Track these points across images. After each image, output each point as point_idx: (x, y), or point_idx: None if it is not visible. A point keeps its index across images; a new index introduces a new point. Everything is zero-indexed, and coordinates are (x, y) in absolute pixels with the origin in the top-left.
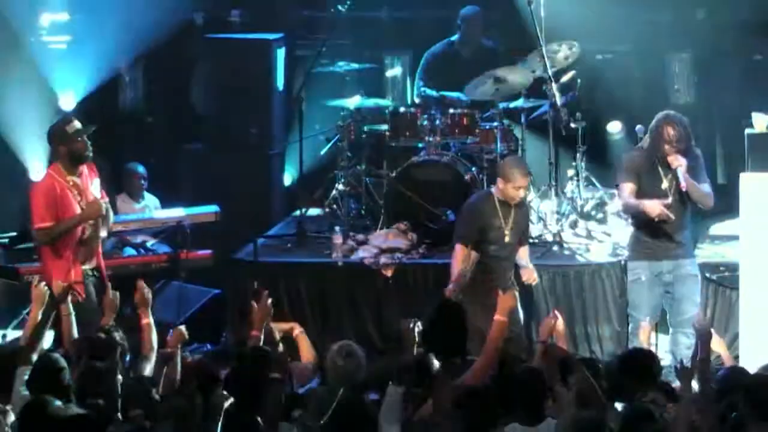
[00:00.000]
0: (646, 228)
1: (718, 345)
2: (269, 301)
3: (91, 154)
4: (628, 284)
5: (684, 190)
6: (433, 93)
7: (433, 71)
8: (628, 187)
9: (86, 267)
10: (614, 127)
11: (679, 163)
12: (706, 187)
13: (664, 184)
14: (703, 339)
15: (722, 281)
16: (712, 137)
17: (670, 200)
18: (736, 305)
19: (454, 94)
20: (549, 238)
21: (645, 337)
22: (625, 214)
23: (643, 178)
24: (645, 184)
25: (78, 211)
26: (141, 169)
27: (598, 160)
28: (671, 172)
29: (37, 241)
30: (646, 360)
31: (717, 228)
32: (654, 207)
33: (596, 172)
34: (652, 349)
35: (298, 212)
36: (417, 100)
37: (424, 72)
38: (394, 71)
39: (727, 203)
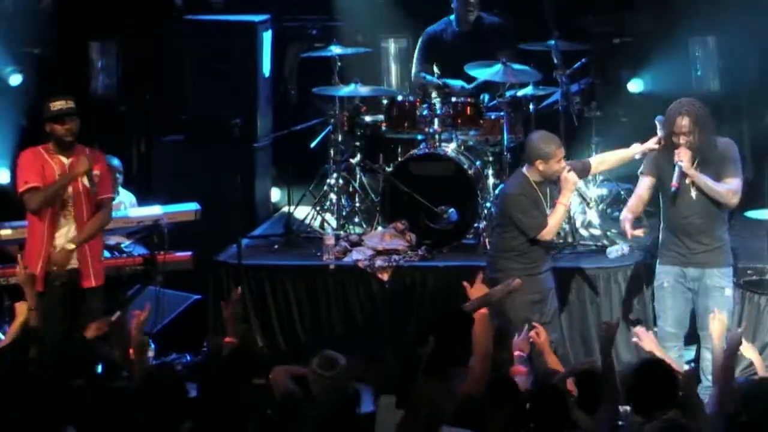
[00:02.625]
0: (672, 229)
1: (750, 351)
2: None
3: (70, 139)
4: (654, 291)
5: (674, 189)
6: (433, 79)
7: (432, 52)
8: (643, 181)
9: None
10: (636, 86)
11: (679, 158)
12: (731, 183)
13: (687, 180)
14: (731, 350)
15: (750, 286)
16: (738, 127)
17: (641, 232)
18: (765, 312)
19: (457, 83)
20: (560, 238)
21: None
22: None
23: (665, 171)
24: (667, 178)
25: None
26: (116, 162)
27: None
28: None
29: (26, 207)
30: (661, 374)
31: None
32: (625, 228)
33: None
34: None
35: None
36: (413, 81)
37: (421, 53)
38: (392, 56)
39: (756, 200)
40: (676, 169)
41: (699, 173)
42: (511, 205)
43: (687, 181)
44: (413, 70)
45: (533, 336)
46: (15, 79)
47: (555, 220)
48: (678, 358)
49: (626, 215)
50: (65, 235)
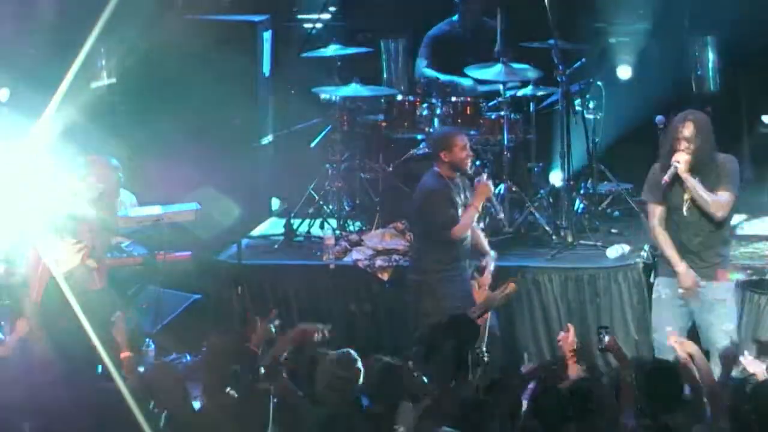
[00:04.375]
0: (675, 246)
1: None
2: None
3: None
4: (652, 303)
5: (665, 184)
6: (438, 75)
7: (435, 52)
8: (655, 210)
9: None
10: (625, 73)
11: (677, 159)
12: (721, 196)
13: (686, 196)
14: (726, 364)
15: (750, 286)
16: (739, 129)
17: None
18: (765, 312)
19: (467, 81)
20: (560, 238)
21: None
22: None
23: (672, 191)
24: (674, 197)
25: None
26: (115, 162)
27: (615, 153)
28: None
29: None
30: (668, 377)
31: (746, 227)
32: (686, 279)
33: (612, 165)
34: None
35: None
36: (417, 79)
37: (426, 52)
38: (392, 56)
39: (757, 202)
40: (671, 168)
41: (691, 178)
42: (424, 202)
43: (686, 195)
44: (416, 69)
45: (563, 338)
46: (3, 94)
47: (464, 220)
48: None
49: (685, 271)
50: (70, 242)
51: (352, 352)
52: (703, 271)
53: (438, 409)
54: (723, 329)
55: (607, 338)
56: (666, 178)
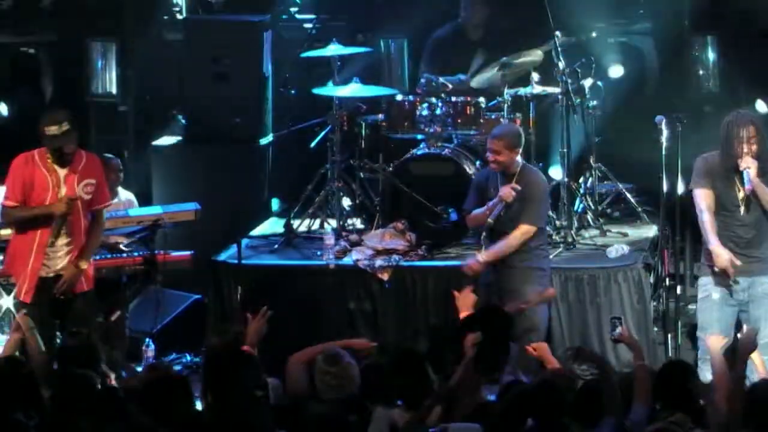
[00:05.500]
0: (721, 240)
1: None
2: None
3: (67, 158)
4: (698, 302)
5: (748, 193)
6: (436, 79)
7: (439, 56)
8: (704, 195)
9: (46, 274)
10: (616, 71)
11: (747, 164)
12: None
13: (741, 195)
14: (744, 352)
15: None
16: None
17: (739, 263)
18: None
19: (454, 78)
20: (560, 237)
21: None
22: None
23: (718, 186)
24: (721, 191)
25: (46, 201)
26: (116, 161)
27: (615, 153)
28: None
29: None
30: (682, 376)
31: None
32: (721, 258)
33: (613, 166)
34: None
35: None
36: (419, 90)
37: (429, 58)
38: (392, 56)
39: None
40: (745, 174)
41: (761, 183)
42: None
43: (741, 194)
44: (420, 77)
45: (530, 351)
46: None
47: (475, 215)
48: None
49: (720, 251)
50: (62, 244)
51: (336, 347)
52: (754, 265)
53: (454, 408)
54: None
55: (620, 328)
56: (748, 186)
